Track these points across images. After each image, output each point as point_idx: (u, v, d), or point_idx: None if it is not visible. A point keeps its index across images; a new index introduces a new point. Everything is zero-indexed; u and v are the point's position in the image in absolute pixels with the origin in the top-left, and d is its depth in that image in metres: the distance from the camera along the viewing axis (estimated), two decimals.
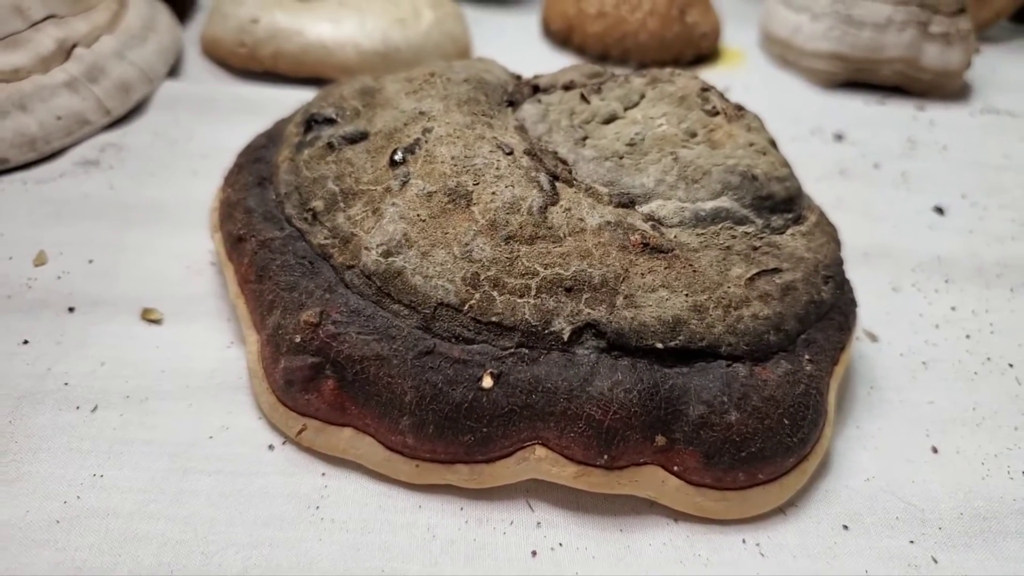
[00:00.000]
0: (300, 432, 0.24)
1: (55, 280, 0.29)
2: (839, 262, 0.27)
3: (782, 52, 0.55)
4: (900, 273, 0.35)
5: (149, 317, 0.28)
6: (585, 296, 0.23)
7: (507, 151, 0.25)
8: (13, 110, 0.35)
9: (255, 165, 0.28)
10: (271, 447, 0.24)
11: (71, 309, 0.28)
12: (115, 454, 0.23)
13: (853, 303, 0.27)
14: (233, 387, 0.26)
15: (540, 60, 0.53)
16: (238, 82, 0.46)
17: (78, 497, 0.22)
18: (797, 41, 0.53)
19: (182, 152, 0.38)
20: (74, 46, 0.38)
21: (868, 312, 0.32)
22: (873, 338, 0.31)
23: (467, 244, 0.23)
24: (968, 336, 0.32)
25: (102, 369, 0.26)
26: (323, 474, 0.23)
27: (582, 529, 0.23)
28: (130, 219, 0.33)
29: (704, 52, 0.54)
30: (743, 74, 0.53)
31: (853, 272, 0.28)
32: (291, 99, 0.41)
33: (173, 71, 0.45)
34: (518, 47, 0.55)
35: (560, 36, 0.55)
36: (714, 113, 0.27)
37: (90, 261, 0.30)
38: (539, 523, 0.23)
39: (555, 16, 0.55)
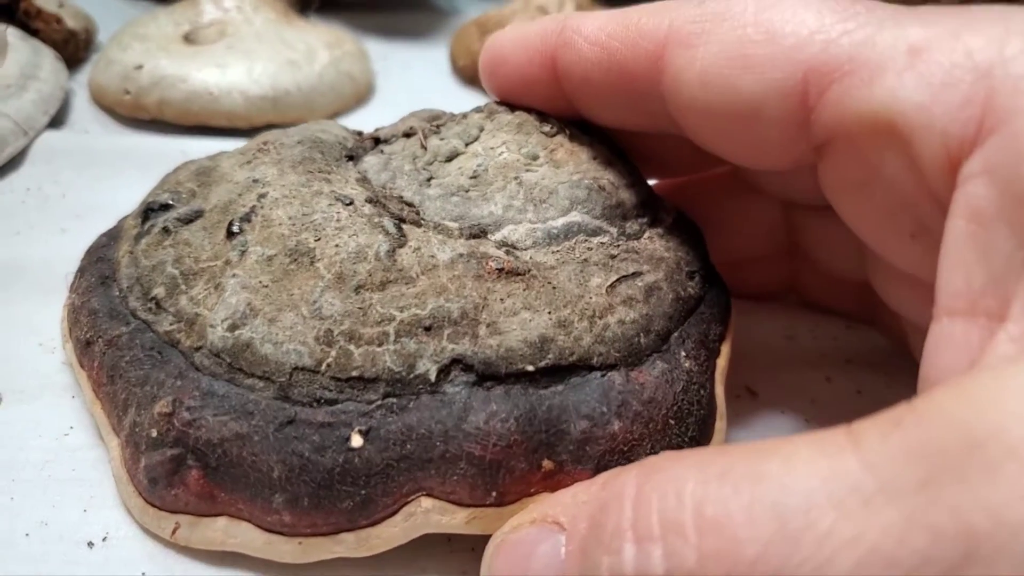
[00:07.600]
0: (175, 532, 0.22)
1: None
2: (704, 256, 0.27)
3: None
4: None
5: None
6: (447, 332, 0.22)
7: (347, 202, 0.25)
8: None
9: (97, 265, 0.27)
10: (91, 544, 0.22)
11: None
12: None
13: (726, 293, 0.27)
14: (62, 479, 0.24)
15: (447, 98, 0.50)
16: (122, 131, 0.44)
17: None
18: None
19: (53, 210, 0.36)
20: None
21: None
22: None
23: (315, 302, 0.22)
24: None
25: None
26: (143, 573, 0.22)
27: None
28: None
29: None
30: None
31: None
32: (174, 150, 0.40)
33: (58, 120, 0.43)
34: (425, 84, 0.53)
35: (466, 73, 0.54)
36: (553, 134, 0.27)
37: None
38: None
39: (461, 53, 0.54)
